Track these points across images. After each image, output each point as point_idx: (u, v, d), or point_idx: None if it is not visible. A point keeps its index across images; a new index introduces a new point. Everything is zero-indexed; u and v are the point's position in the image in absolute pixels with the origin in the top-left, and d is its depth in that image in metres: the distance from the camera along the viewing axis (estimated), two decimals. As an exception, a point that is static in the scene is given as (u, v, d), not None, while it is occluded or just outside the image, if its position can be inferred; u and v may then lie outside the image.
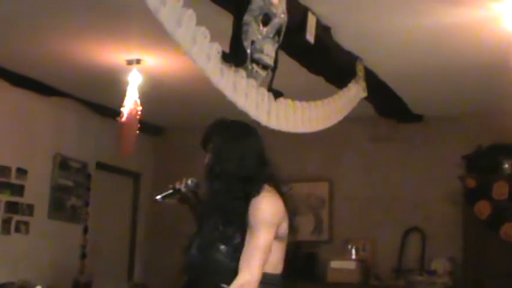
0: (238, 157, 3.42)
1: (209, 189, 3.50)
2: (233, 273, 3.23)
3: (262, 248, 3.23)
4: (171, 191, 3.73)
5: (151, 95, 6.44)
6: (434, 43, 5.67)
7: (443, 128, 7.87)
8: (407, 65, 6.21)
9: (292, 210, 3.48)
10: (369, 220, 7.98)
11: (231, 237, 3.32)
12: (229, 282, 3.21)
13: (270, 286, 3.37)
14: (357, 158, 8.23)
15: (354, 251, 7.81)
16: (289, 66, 5.16)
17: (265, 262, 3.24)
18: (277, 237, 3.33)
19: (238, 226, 3.31)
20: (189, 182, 3.67)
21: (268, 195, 3.35)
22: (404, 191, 7.92)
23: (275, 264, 3.39)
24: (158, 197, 3.75)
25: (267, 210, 3.30)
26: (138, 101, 6.32)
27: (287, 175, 7.99)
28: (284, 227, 3.39)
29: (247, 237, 3.25)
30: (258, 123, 4.48)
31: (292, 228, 3.48)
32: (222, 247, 3.32)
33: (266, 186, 3.38)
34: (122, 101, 6.35)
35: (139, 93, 6.35)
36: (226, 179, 3.39)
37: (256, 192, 3.32)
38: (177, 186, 3.70)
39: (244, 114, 4.35)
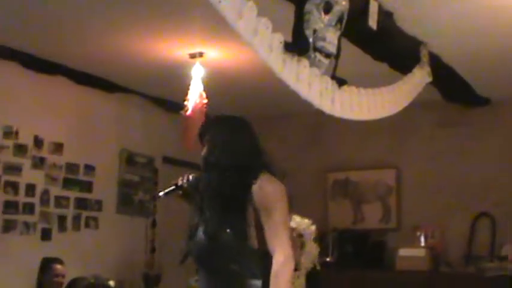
0: (233, 148, 3.61)
1: (207, 179, 3.64)
2: (240, 254, 3.43)
3: (283, 223, 3.43)
4: (173, 187, 3.80)
5: (214, 87, 6.45)
6: (500, 24, 5.55)
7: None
8: (472, 48, 6.10)
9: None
10: (438, 207, 7.87)
11: (234, 222, 3.48)
12: (237, 263, 3.42)
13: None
14: (424, 144, 8.13)
15: (423, 238, 7.71)
16: (353, 54, 5.12)
17: (289, 236, 3.44)
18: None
19: (239, 212, 3.48)
20: (190, 177, 3.79)
21: (266, 178, 3.50)
22: (473, 177, 7.78)
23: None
24: (161, 193, 3.83)
25: (275, 189, 3.49)
26: (204, 94, 6.34)
27: (353, 163, 8.02)
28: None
29: (266, 220, 3.42)
30: (322, 111, 4.49)
31: None
32: (228, 230, 3.47)
33: (263, 174, 3.52)
34: (186, 95, 6.38)
35: (203, 86, 6.38)
36: (222, 169, 3.56)
37: (254, 179, 3.48)
38: (179, 182, 3.82)
39: (308, 103, 4.34)
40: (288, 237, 3.40)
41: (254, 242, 3.47)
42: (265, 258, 3.41)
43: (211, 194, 3.59)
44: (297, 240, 5.49)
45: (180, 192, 3.82)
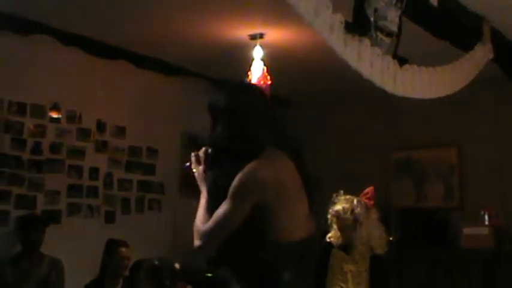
0: (230, 123, 3.15)
1: (214, 161, 3.31)
2: (245, 245, 3.10)
3: (222, 217, 3.04)
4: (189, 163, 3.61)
5: (275, 68, 6.44)
6: None
7: None
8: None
9: (307, 175, 3.19)
10: (501, 185, 7.77)
11: None
12: (246, 254, 3.12)
13: (288, 254, 3.09)
14: (486, 122, 8.02)
15: (486, 217, 7.61)
16: (414, 32, 5.05)
17: (223, 235, 3.05)
18: (276, 203, 3.02)
19: None
20: (209, 151, 3.43)
21: (255, 163, 3.02)
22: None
23: (287, 230, 3.07)
24: (187, 164, 3.63)
25: (243, 180, 3.00)
26: (268, 76, 6.34)
27: (415, 141, 7.93)
28: (286, 192, 3.06)
29: (224, 202, 3.04)
30: (384, 91, 4.46)
31: (311, 196, 3.20)
32: None
33: (267, 153, 3.08)
34: (247, 77, 6.39)
35: (263, 67, 6.38)
36: (222, 149, 3.21)
37: (248, 160, 3.03)
38: (201, 155, 3.43)
39: (370, 83, 4.32)
40: (216, 232, 3.05)
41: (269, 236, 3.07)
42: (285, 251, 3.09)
43: (211, 181, 3.30)
44: (350, 222, 5.39)
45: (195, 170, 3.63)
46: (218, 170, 3.22)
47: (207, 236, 3.07)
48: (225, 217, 3.02)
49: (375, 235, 5.48)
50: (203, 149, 3.39)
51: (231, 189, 3.00)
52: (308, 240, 3.17)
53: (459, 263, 7.40)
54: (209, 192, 3.30)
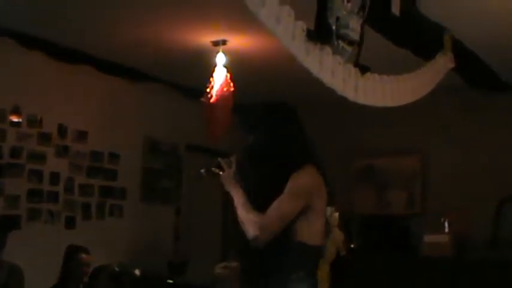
0: (277, 139, 3.57)
1: (250, 172, 3.66)
2: (289, 251, 3.40)
3: (284, 210, 3.37)
4: (215, 166, 3.77)
5: (237, 75, 6.44)
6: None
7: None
8: (496, 33, 6.04)
9: (330, 190, 3.61)
10: (462, 192, 7.82)
11: None
12: (280, 257, 3.39)
13: (307, 256, 3.47)
14: (448, 129, 8.08)
15: (446, 224, 7.67)
16: (375, 41, 5.08)
17: (280, 227, 3.35)
18: (313, 209, 3.44)
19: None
20: (231, 159, 3.75)
21: (305, 171, 3.47)
22: (498, 161, 7.73)
23: (313, 235, 3.49)
24: (202, 170, 3.82)
25: (302, 182, 3.43)
26: (231, 83, 6.34)
27: (378, 149, 7.98)
28: (321, 203, 3.52)
29: (281, 196, 3.38)
30: (345, 99, 4.48)
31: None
32: None
33: (305, 165, 3.48)
34: (209, 83, 6.39)
35: (226, 73, 6.38)
36: (267, 163, 3.54)
37: (295, 169, 3.44)
38: (221, 163, 3.76)
39: (332, 90, 4.34)
40: (279, 225, 3.36)
41: (297, 236, 3.43)
42: (309, 252, 3.47)
43: (253, 186, 3.59)
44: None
45: (221, 172, 3.79)
46: (259, 177, 3.57)
47: (268, 226, 3.35)
48: (285, 211, 3.37)
49: (340, 240, 5.54)
50: (234, 155, 3.78)
51: (289, 188, 3.38)
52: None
53: (420, 270, 7.43)
54: (251, 193, 3.58)
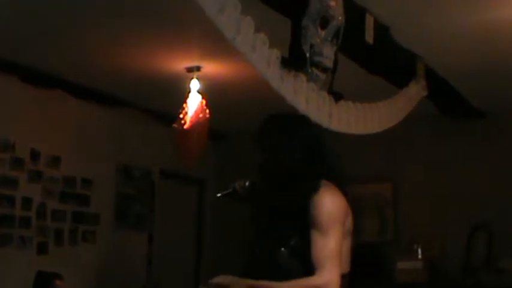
0: (291, 153, 3.25)
1: (264, 188, 3.41)
2: (292, 274, 3.09)
3: (336, 248, 3.08)
4: (230, 191, 3.70)
5: (212, 101, 6.45)
6: (496, 38, 5.59)
7: (508, 124, 7.74)
8: (468, 62, 6.13)
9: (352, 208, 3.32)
10: (435, 218, 7.87)
11: (288, 239, 3.16)
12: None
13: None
14: (420, 156, 8.14)
15: (420, 250, 7.70)
16: (349, 68, 5.13)
17: (340, 264, 3.11)
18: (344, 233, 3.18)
19: (295, 228, 3.17)
20: (247, 183, 3.63)
21: (328, 191, 3.17)
22: (470, 188, 7.77)
23: (344, 264, 3.22)
24: (219, 194, 3.77)
25: (333, 207, 3.13)
26: (207, 109, 6.34)
27: (350, 176, 7.95)
28: (348, 223, 3.24)
29: (316, 238, 3.07)
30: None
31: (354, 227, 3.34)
32: (283, 249, 3.16)
33: (324, 182, 3.21)
34: (183, 109, 6.39)
35: (201, 100, 6.39)
36: (279, 178, 3.27)
37: (314, 189, 3.15)
38: (236, 187, 3.66)
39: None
40: (338, 269, 3.09)
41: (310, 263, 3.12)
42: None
43: (267, 207, 3.36)
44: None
45: (236, 197, 3.66)
46: (274, 184, 3.29)
47: (335, 270, 3.07)
48: (339, 244, 3.10)
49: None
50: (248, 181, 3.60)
51: (328, 216, 3.09)
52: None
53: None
54: (268, 212, 3.33)
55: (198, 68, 6.43)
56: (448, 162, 7.96)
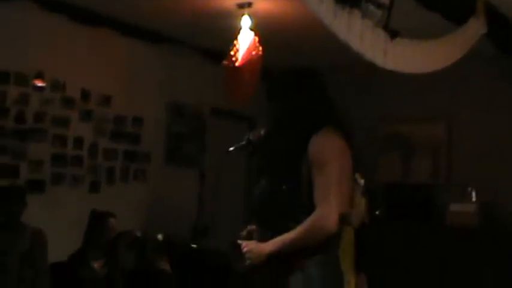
0: (298, 104, 3.47)
1: (274, 134, 3.56)
2: (295, 212, 3.25)
3: (332, 184, 3.21)
4: (244, 143, 3.75)
5: (263, 38, 6.33)
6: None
7: None
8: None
9: (356, 155, 3.45)
10: (490, 162, 7.70)
11: (289, 179, 3.31)
12: (293, 221, 3.23)
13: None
14: (477, 98, 7.93)
15: (474, 194, 7.54)
16: (405, 4, 4.95)
17: (341, 197, 3.24)
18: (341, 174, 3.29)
19: (294, 168, 3.30)
20: (262, 132, 3.69)
21: (326, 132, 3.33)
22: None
23: (344, 204, 3.32)
24: (231, 148, 3.76)
25: (327, 145, 3.29)
26: (260, 46, 6.22)
27: (404, 116, 7.85)
28: (347, 166, 3.37)
29: (317, 176, 3.23)
30: (374, 64, 4.37)
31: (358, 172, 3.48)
32: (284, 187, 3.32)
33: (327, 128, 3.36)
34: (234, 46, 6.28)
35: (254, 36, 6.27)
36: (285, 123, 3.48)
37: (314, 131, 3.32)
38: (251, 137, 3.73)
39: (358, 58, 4.23)
40: (336, 201, 3.20)
41: (305, 200, 3.27)
42: None
43: (270, 151, 3.53)
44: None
45: (251, 148, 3.72)
46: (282, 143, 3.44)
47: (334, 202, 3.18)
48: (339, 178, 3.24)
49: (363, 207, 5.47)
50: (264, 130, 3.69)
51: (319, 156, 3.24)
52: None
53: (444, 240, 7.34)
54: (275, 160, 3.47)
55: (250, 4, 6.30)
56: (505, 104, 7.74)
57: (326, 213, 3.17)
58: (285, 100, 3.51)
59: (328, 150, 3.27)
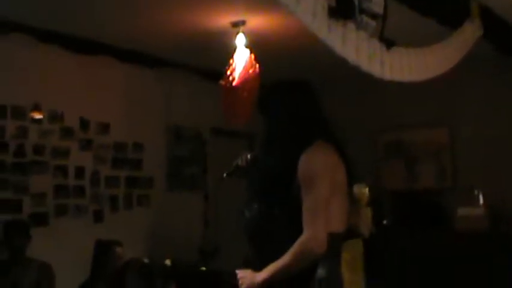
0: (287, 118, 3.36)
1: (261, 155, 3.49)
2: (288, 237, 3.12)
3: (318, 204, 3.08)
4: (233, 168, 3.72)
5: (259, 55, 6.30)
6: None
7: None
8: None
9: (351, 166, 3.34)
10: (495, 164, 7.65)
11: (282, 201, 3.20)
12: (284, 245, 3.11)
13: (332, 245, 3.12)
14: (478, 100, 7.89)
15: (481, 197, 7.47)
16: (399, 12, 4.91)
17: (327, 217, 3.09)
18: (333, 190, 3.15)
19: (286, 189, 3.19)
20: (248, 155, 3.65)
21: (314, 149, 3.19)
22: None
23: (334, 222, 3.16)
24: (224, 175, 3.74)
25: (314, 163, 3.15)
26: (256, 64, 6.18)
27: (405, 122, 7.80)
28: (339, 180, 3.23)
29: (304, 196, 3.10)
30: (371, 76, 4.32)
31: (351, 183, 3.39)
32: (276, 211, 3.21)
33: (318, 143, 3.23)
34: (229, 65, 6.26)
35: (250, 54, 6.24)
36: (272, 141, 3.39)
37: (302, 149, 3.19)
38: (239, 162, 3.68)
39: (355, 68, 4.18)
40: (324, 219, 3.07)
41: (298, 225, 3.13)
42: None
43: (258, 175, 3.40)
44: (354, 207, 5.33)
45: (239, 174, 3.67)
46: (272, 160, 3.32)
47: (319, 224, 3.06)
48: (324, 198, 3.10)
49: (369, 217, 5.41)
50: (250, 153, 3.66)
51: (306, 176, 3.11)
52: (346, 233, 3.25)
53: (453, 244, 7.27)
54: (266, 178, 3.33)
55: (243, 22, 6.27)
56: (506, 105, 7.69)
57: (313, 235, 3.04)
58: (273, 113, 3.44)
59: (317, 168, 3.14)
